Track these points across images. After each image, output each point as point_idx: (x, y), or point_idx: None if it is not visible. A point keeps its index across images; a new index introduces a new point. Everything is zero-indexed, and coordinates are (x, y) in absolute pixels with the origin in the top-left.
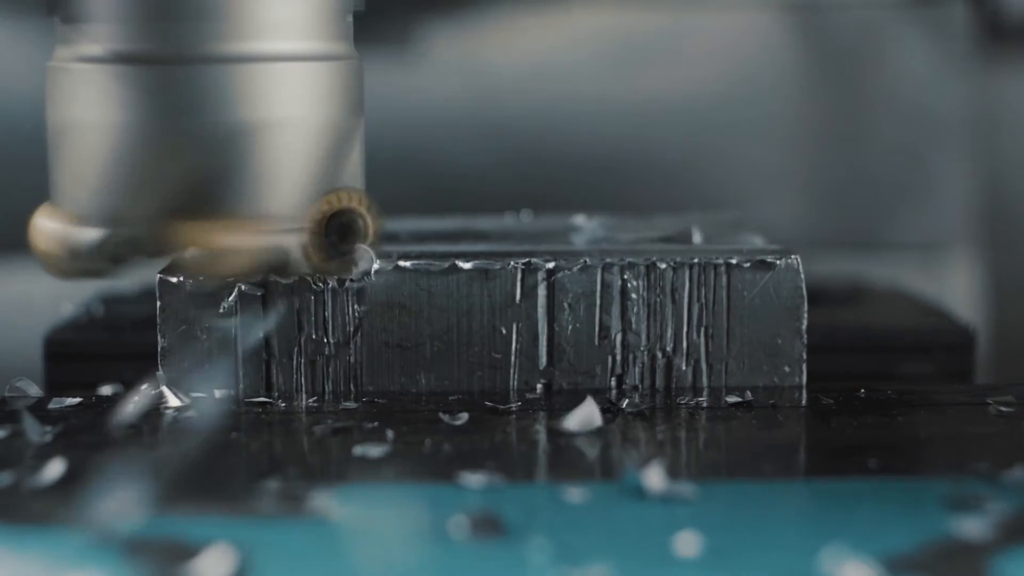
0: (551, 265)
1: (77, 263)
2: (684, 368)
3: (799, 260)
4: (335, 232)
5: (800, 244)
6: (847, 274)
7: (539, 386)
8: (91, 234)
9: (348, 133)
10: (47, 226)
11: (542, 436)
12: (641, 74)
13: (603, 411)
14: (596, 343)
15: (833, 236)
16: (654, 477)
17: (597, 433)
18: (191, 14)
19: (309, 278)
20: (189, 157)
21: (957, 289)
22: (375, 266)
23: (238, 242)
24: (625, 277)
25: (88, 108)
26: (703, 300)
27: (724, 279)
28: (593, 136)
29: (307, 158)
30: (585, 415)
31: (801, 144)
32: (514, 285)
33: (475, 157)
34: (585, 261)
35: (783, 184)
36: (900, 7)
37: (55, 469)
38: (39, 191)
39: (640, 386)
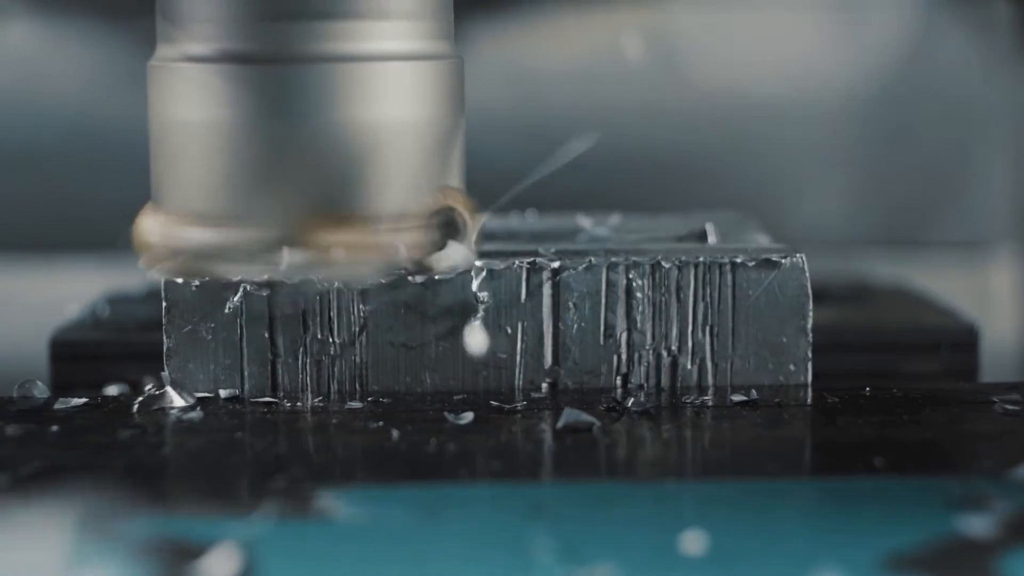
0: (556, 264)
1: (181, 263)
2: (689, 367)
3: (804, 259)
4: (436, 230)
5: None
6: (892, 273)
7: (544, 385)
8: (196, 234)
9: (451, 132)
10: (151, 225)
11: (547, 435)
12: (684, 73)
13: (608, 410)
14: (601, 342)
15: (876, 234)
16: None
17: (603, 432)
18: (298, 13)
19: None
20: (295, 156)
21: (1001, 287)
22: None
23: (342, 241)
24: (630, 276)
25: (195, 107)
26: (708, 299)
27: (729, 278)
28: (635, 135)
29: (411, 157)
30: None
31: (845, 142)
32: (519, 284)
33: (517, 156)
34: (590, 260)
35: (826, 182)
36: (944, 5)
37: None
38: (49, 191)
39: (645, 385)
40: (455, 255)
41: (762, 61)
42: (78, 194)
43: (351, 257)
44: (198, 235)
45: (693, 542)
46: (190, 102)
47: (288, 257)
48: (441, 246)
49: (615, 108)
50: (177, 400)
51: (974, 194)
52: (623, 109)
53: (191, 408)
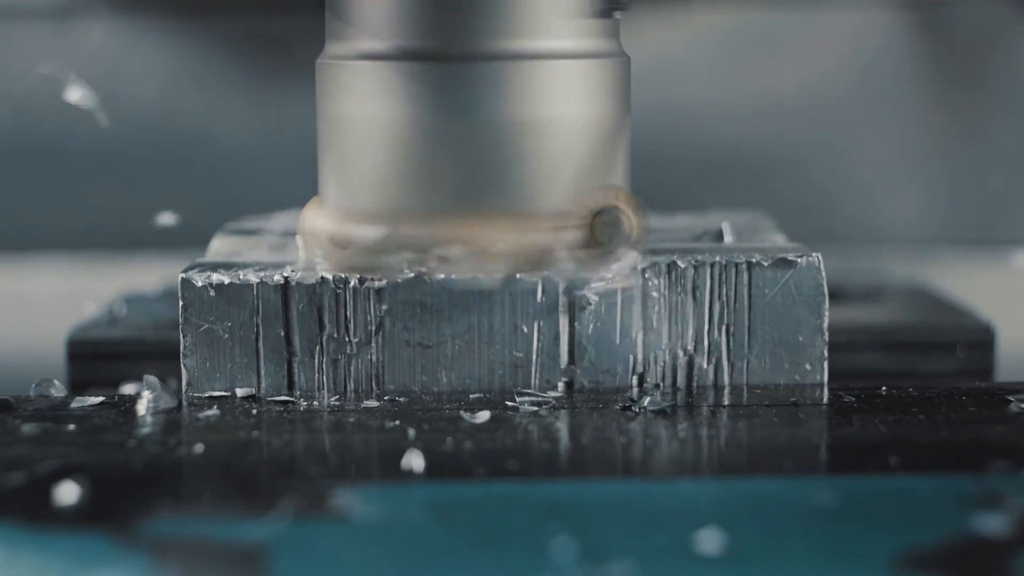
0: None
1: (349, 259)
2: (705, 366)
3: (820, 258)
4: (601, 229)
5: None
6: (964, 272)
7: (560, 385)
8: (364, 230)
9: (617, 131)
10: (317, 220)
11: (563, 434)
12: (761, 71)
13: (624, 409)
14: (617, 342)
15: (950, 234)
16: None
17: (619, 431)
18: (470, 11)
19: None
20: (465, 153)
21: None
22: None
23: (510, 238)
24: (646, 276)
25: (367, 104)
26: (724, 298)
27: (745, 277)
28: (713, 133)
29: (579, 155)
30: None
31: (919, 141)
32: (536, 284)
33: None
34: None
35: (901, 181)
36: (1019, 3)
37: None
38: (127, 190)
39: (661, 384)
40: (624, 255)
41: (838, 59)
42: (154, 192)
43: (515, 255)
44: (364, 231)
45: (709, 541)
46: (361, 99)
47: (452, 254)
48: (606, 244)
49: (692, 105)
50: (160, 402)
51: None
52: (699, 106)
53: (208, 407)
